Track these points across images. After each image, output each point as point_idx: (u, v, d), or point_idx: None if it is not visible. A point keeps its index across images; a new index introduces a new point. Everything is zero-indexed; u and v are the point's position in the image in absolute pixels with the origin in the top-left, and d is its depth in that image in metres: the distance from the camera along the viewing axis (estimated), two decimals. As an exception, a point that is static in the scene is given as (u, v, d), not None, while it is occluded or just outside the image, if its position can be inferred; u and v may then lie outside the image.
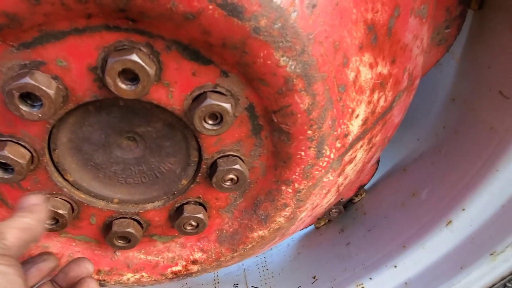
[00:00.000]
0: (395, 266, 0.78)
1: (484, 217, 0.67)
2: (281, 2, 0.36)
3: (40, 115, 0.40)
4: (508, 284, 0.70)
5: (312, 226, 1.00)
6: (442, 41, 0.67)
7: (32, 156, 0.45)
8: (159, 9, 0.35)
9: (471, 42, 0.68)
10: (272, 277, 0.97)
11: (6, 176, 0.44)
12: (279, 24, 0.37)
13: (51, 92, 0.38)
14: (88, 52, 0.38)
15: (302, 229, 0.97)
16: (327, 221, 0.97)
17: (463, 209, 0.69)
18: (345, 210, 0.93)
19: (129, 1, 0.34)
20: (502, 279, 0.69)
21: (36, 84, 0.38)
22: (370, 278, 0.81)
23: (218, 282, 0.99)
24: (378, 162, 0.86)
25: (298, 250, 0.98)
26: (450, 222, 0.71)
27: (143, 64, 0.38)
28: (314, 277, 0.91)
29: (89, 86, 0.41)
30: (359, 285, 0.82)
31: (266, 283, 0.97)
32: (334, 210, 0.92)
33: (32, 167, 0.47)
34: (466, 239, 0.70)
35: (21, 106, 0.39)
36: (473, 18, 0.66)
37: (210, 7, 0.34)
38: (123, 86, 0.39)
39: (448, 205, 0.71)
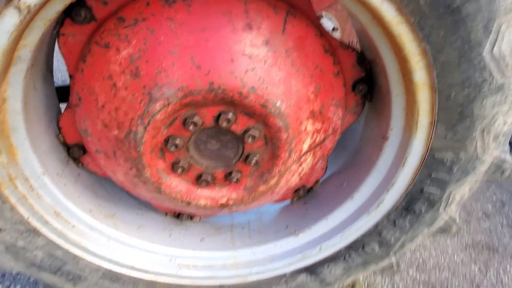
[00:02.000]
0: (327, 219, 1.54)
1: (365, 196, 1.43)
2: (280, 104, 1.13)
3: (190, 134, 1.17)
4: (376, 230, 1.45)
5: (289, 200, 1.76)
6: (355, 112, 1.44)
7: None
8: (246, 105, 1.12)
9: (367, 111, 1.45)
10: (264, 225, 1.73)
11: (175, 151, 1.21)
12: (277, 111, 1.14)
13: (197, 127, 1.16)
14: (212, 110, 1.15)
15: (279, 202, 1.73)
16: (298, 197, 1.73)
17: (358, 191, 1.45)
18: (308, 192, 1.69)
19: (232, 100, 1.11)
20: (373, 226, 1.44)
21: (195, 121, 1.15)
22: (315, 225, 1.57)
23: (233, 226, 1.75)
24: (326, 167, 1.63)
25: (281, 212, 1.74)
26: (352, 197, 1.47)
27: (230, 123, 1.14)
28: (287, 226, 1.67)
29: (211, 123, 1.18)
30: (308, 228, 1.58)
31: (260, 230, 1.73)
32: (302, 191, 1.69)
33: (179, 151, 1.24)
34: (360, 205, 1.46)
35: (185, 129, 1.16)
36: (368, 104, 1.43)
37: (261, 108, 1.11)
38: (224, 124, 1.16)
39: (352, 189, 1.47)
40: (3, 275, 1.95)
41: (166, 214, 1.72)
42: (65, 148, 1.40)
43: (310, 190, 1.71)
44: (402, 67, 1.05)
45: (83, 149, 1.40)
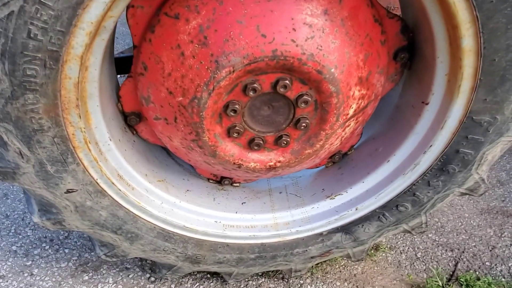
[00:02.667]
0: (363, 182, 1.66)
1: (401, 159, 1.55)
2: (334, 71, 1.23)
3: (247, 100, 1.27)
4: (410, 190, 1.57)
5: (323, 166, 1.88)
6: (393, 80, 1.53)
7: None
8: (303, 71, 1.21)
9: (405, 79, 1.55)
10: (300, 189, 1.85)
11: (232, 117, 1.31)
12: (331, 77, 1.24)
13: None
14: (271, 77, 1.25)
15: (315, 167, 1.85)
16: (333, 163, 1.84)
17: (394, 155, 1.56)
18: (343, 157, 1.81)
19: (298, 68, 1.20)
20: (408, 186, 1.56)
21: (255, 87, 1.24)
22: (351, 188, 1.69)
23: (271, 190, 1.87)
24: (361, 133, 1.73)
25: (316, 176, 1.86)
26: (388, 161, 1.58)
27: (287, 89, 1.24)
28: (323, 189, 1.79)
29: (269, 89, 1.27)
30: (344, 191, 1.70)
31: (297, 193, 1.85)
32: (337, 156, 1.80)
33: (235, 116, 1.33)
34: (395, 168, 1.58)
35: (243, 96, 1.26)
36: (407, 72, 1.53)
37: (317, 73, 1.21)
38: (281, 89, 1.26)
39: (388, 153, 1.59)
40: (52, 240, 2.08)
41: (209, 180, 1.84)
42: (122, 117, 1.49)
43: (344, 155, 1.83)
44: (450, 34, 1.15)
45: (139, 117, 1.50)
